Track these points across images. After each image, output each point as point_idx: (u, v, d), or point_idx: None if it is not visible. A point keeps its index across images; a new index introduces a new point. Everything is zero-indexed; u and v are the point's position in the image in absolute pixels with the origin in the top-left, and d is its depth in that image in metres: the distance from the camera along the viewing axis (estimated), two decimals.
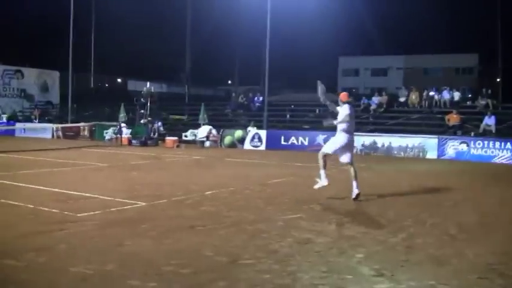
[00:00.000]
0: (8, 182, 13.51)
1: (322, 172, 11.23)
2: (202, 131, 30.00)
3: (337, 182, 12.58)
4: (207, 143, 29.54)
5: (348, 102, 11.34)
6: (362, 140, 27.06)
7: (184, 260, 6.54)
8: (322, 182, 11.25)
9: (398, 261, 6.71)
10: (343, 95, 11.51)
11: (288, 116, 34.93)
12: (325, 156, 11.26)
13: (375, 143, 27.03)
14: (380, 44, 65.10)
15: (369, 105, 32.86)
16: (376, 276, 6.08)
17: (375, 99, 32.94)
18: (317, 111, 32.79)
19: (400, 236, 8.10)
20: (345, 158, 11.34)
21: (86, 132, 35.61)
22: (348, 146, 11.31)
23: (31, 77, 48.87)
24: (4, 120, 41.98)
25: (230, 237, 7.91)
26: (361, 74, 79.72)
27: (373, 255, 6.96)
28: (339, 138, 11.20)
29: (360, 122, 30.69)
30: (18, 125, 40.18)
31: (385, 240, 7.87)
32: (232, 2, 46.31)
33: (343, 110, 11.15)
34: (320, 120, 30.39)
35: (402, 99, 33.35)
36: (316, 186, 11.45)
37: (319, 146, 27.51)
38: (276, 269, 6.25)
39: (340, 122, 11.10)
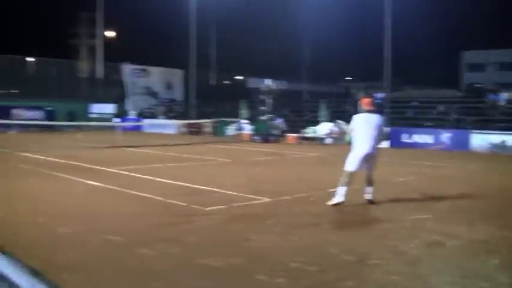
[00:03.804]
0: (135, 175, 14.16)
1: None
2: (323, 128, 29.86)
3: (462, 183, 12.08)
4: (328, 140, 29.39)
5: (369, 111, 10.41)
6: (490, 138, 25.85)
7: (311, 257, 6.51)
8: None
9: None
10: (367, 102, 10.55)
11: (410, 113, 33.93)
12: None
13: (504, 142, 25.68)
14: (509, 36, 61.52)
15: (497, 101, 31.27)
16: None
17: (503, 95, 31.29)
18: (440, 108, 31.71)
19: None
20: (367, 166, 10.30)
21: (209, 129, 36.52)
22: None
23: (156, 75, 50.80)
24: (133, 116, 44.01)
25: (357, 236, 7.80)
26: (488, 69, 75.94)
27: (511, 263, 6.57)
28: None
29: (487, 120, 29.33)
30: (146, 121, 41.96)
31: None
32: None
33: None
34: (443, 118, 29.62)
35: None
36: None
37: (444, 145, 26.78)
38: (405, 271, 6.07)
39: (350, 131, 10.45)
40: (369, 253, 6.75)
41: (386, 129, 28.07)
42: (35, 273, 2.19)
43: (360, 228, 8.27)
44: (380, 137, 10.39)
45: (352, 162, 10.13)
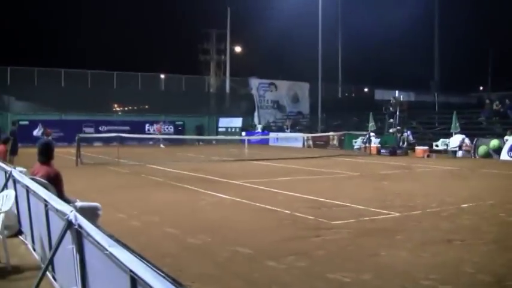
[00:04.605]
0: (262, 188, 14.31)
1: None
2: (455, 141, 28.69)
3: None
4: (460, 153, 28.20)
5: None
6: None
7: (444, 275, 6.23)
8: None
9: None
10: None
11: None
12: None
13: None
14: None
15: None
16: None
17: None
18: None
19: None
20: None
21: (335, 142, 36.28)
22: None
23: (283, 89, 51.27)
24: (259, 130, 44.69)
25: (493, 254, 7.36)
26: None
27: None
28: None
29: None
30: (272, 135, 42.45)
31: None
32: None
33: None
34: None
35: None
36: None
37: None
38: None
39: None
40: (507, 274, 6.35)
41: None
42: (177, 282, 2.22)
43: (495, 246, 7.78)
44: None
45: None
